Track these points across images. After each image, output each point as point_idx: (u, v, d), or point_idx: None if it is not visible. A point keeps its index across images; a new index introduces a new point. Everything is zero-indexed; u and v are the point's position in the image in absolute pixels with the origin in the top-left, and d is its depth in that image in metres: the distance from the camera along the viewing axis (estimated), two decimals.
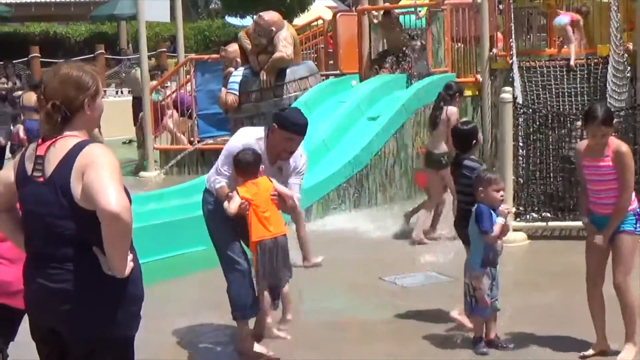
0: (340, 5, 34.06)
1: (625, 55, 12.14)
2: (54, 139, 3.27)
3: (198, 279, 8.18)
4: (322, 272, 8.29)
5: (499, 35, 13.53)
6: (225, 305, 6.30)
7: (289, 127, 5.70)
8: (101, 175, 3.11)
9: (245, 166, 5.75)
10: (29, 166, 3.30)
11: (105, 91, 19.80)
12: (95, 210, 3.09)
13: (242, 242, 5.92)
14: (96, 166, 3.15)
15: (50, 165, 3.24)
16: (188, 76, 15.66)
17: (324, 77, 13.93)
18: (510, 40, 12.48)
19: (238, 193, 5.73)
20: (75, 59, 21.11)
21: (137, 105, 17.05)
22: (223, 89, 13.19)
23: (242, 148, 5.77)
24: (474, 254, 5.87)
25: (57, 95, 3.28)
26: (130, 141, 19.39)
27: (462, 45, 13.94)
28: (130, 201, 3.19)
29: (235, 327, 6.15)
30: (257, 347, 5.93)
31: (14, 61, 22.23)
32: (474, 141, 6.45)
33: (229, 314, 6.14)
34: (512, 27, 12.71)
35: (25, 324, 3.60)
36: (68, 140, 3.26)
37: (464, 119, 9.48)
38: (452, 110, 9.29)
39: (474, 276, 5.80)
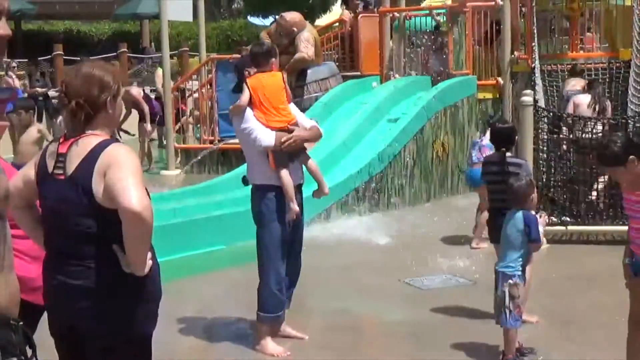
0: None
1: None
2: (76, 137, 3.31)
3: (216, 277, 8.21)
4: (340, 273, 8.31)
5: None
6: (243, 304, 6.35)
7: None
8: (123, 175, 3.14)
9: (256, 55, 6.01)
10: (50, 163, 3.33)
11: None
12: (115, 208, 3.12)
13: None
14: (118, 166, 3.17)
15: (72, 163, 3.26)
16: (210, 76, 15.71)
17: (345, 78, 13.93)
18: (533, 43, 12.45)
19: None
20: (98, 57, 21.26)
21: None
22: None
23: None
24: (512, 260, 5.61)
25: (80, 94, 3.31)
26: (151, 140, 19.48)
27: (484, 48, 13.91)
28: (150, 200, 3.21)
29: (252, 326, 6.19)
30: (274, 347, 5.95)
31: (38, 59, 22.38)
32: (516, 137, 6.62)
33: (246, 313, 6.18)
34: (535, 31, 12.68)
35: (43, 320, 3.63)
36: (90, 139, 3.29)
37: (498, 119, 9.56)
38: None
39: (514, 284, 5.56)
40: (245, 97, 5.89)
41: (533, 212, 5.78)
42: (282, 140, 5.80)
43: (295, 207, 5.78)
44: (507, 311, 5.57)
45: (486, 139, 8.85)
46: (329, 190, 6.18)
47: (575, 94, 11.38)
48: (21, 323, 2.50)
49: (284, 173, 5.78)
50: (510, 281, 5.58)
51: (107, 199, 3.16)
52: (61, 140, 3.35)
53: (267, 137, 5.79)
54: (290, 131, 5.85)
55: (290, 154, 5.84)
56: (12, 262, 2.56)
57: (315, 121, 6.37)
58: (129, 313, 3.28)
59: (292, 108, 6.12)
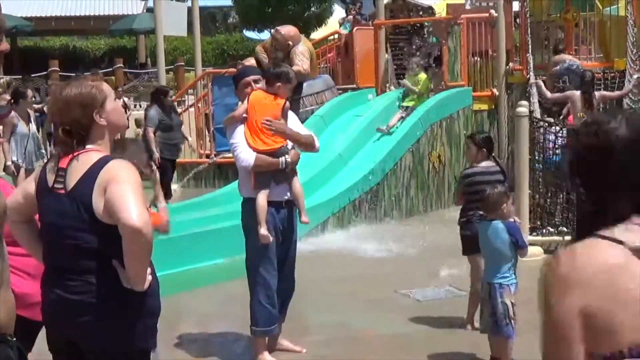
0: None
1: None
2: (76, 153, 3.31)
3: (214, 291, 8.21)
4: (337, 285, 8.31)
5: None
6: (241, 318, 6.33)
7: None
8: (123, 191, 3.14)
9: (266, 74, 6.08)
10: (50, 178, 3.33)
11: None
12: (115, 224, 3.12)
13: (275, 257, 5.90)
14: (118, 182, 3.17)
15: (72, 179, 3.27)
16: (205, 90, 15.74)
17: (341, 91, 13.97)
18: (527, 55, 12.51)
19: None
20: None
21: None
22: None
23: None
24: (506, 270, 5.62)
25: (64, 119, 3.30)
26: None
27: (479, 59, 13.97)
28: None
29: (250, 340, 6.18)
30: None
31: (33, 75, 22.41)
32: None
33: (244, 327, 6.16)
34: (529, 42, 12.74)
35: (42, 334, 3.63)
36: (91, 154, 3.29)
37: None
38: None
39: (514, 293, 5.60)
40: (242, 108, 5.89)
41: (511, 220, 5.79)
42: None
43: (264, 232, 5.71)
44: (512, 322, 5.58)
45: None
46: (308, 220, 6.09)
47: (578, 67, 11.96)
48: (14, 339, 2.51)
49: (261, 196, 5.76)
50: (510, 291, 5.60)
51: (107, 215, 3.16)
52: (61, 155, 3.35)
53: (246, 157, 5.78)
54: (276, 155, 5.83)
55: (276, 175, 5.85)
56: (9, 279, 2.57)
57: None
58: (129, 328, 3.28)
59: (293, 119, 6.11)
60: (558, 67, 12.52)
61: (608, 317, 1.74)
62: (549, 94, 11.98)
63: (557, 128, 10.08)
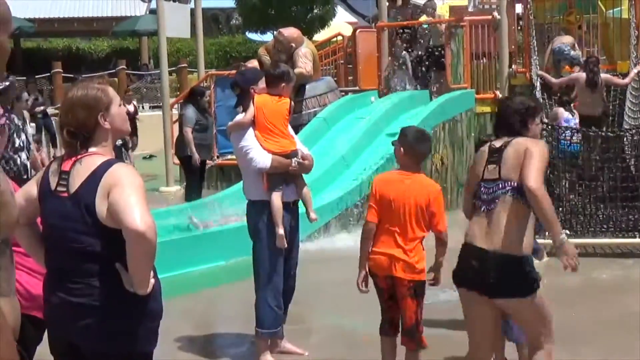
0: (360, 21, 34.19)
1: None
2: (79, 156, 3.31)
3: (216, 293, 8.21)
4: (340, 288, 8.27)
5: None
6: (242, 320, 6.33)
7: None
8: (127, 195, 3.14)
9: (267, 76, 6.02)
10: (53, 180, 3.33)
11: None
12: (118, 227, 3.12)
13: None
14: (122, 186, 3.17)
15: (75, 182, 3.27)
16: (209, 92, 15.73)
17: (343, 93, 13.96)
18: (534, 57, 12.50)
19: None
20: (96, 74, 21.26)
21: None
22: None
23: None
24: None
25: (69, 121, 3.32)
26: (151, 156, 19.52)
27: (483, 61, 13.96)
28: None
29: (252, 342, 6.18)
30: None
31: (36, 76, 22.42)
32: None
33: (246, 329, 6.16)
34: (533, 44, 12.74)
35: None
36: (94, 158, 3.29)
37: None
38: None
39: None
40: (249, 114, 5.87)
41: None
42: (294, 163, 5.86)
43: (281, 233, 5.73)
44: None
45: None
46: (316, 217, 6.15)
47: (568, 50, 12.14)
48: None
49: (275, 197, 5.77)
50: None
51: (110, 219, 3.16)
52: (64, 157, 3.35)
53: (262, 159, 5.78)
54: (288, 156, 5.86)
55: (286, 176, 5.85)
56: (15, 286, 2.58)
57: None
58: (131, 331, 3.28)
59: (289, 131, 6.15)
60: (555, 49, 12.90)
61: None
62: (554, 80, 12.20)
63: (560, 131, 10.08)
